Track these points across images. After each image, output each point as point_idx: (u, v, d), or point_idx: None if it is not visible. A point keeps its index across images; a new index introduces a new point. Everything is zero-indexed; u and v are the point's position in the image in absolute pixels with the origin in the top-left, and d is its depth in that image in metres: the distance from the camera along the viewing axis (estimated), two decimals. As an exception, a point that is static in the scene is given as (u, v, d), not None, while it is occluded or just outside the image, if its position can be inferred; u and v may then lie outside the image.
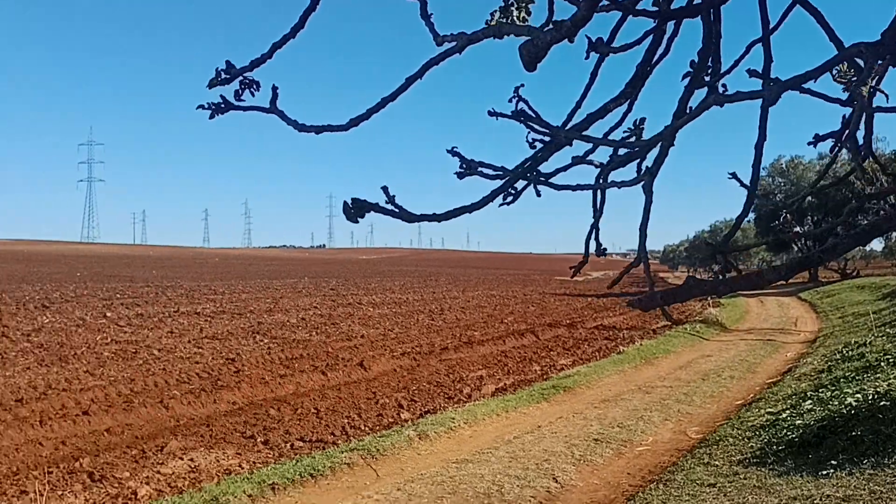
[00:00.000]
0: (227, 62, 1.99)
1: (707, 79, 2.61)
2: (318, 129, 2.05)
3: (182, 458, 8.55)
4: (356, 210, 2.19)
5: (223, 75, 2.00)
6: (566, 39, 2.06)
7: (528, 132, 2.46)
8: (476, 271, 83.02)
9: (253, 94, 2.05)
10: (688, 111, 2.56)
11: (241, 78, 2.02)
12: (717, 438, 8.02)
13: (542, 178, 2.50)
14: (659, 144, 2.53)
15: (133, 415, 10.39)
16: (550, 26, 2.25)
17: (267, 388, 12.35)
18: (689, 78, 2.61)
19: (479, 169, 2.39)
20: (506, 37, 2.17)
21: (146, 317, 21.64)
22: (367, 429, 10.06)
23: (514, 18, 2.31)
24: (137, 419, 10.26)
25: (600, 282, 58.42)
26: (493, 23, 2.31)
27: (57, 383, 11.78)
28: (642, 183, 2.54)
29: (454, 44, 2.11)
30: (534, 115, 2.34)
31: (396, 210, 2.26)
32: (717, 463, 6.94)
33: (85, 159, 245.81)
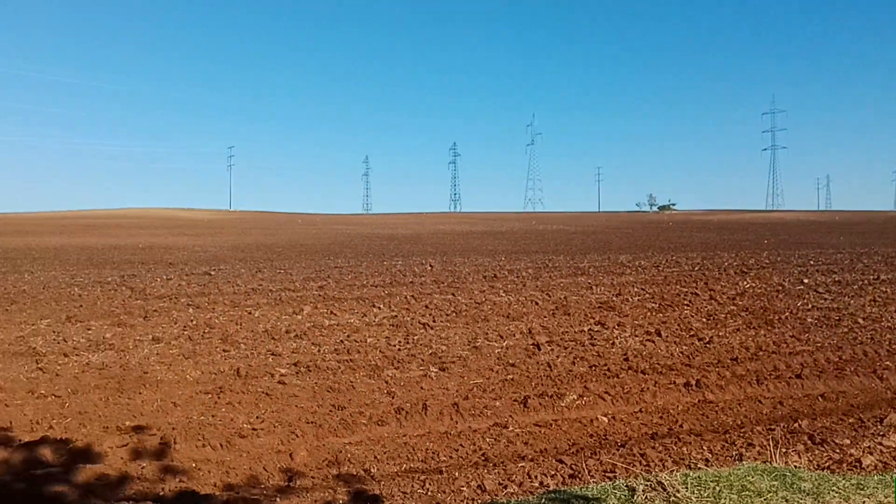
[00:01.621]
0: None
1: None
2: None
3: (906, 433, 8.13)
4: None
5: None
6: None
7: None
8: None
9: None
10: None
11: None
12: None
13: None
14: None
15: (845, 382, 10.30)
16: None
17: None
18: None
19: None
20: None
21: (844, 284, 20.99)
22: None
23: None
24: (850, 387, 10.13)
25: None
26: None
27: (766, 345, 12.46)
28: None
29: None
30: None
31: None
32: None
33: (768, 128, 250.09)
